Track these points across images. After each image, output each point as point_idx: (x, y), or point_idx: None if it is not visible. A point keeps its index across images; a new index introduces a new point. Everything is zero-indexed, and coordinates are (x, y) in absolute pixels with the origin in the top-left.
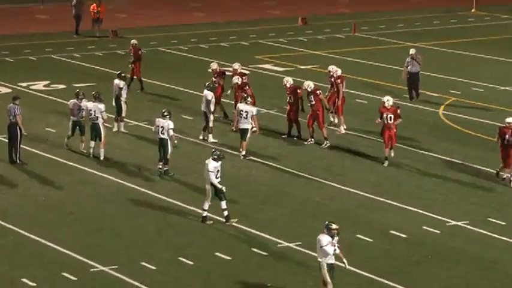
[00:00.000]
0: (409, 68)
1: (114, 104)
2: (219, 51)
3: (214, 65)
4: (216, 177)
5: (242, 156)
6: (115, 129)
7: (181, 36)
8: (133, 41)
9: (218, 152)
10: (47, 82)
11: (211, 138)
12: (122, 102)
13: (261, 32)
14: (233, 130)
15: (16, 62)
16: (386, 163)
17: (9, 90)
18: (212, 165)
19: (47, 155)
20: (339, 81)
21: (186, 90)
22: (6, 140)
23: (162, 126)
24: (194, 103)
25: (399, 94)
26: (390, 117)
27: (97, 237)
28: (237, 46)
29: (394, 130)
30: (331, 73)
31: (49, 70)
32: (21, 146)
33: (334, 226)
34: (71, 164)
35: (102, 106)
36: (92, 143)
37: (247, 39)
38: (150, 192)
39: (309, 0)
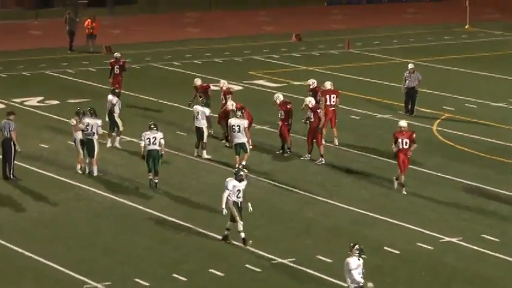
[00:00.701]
0: (407, 82)
1: (107, 119)
2: (213, 67)
3: (198, 81)
4: (238, 197)
5: (242, 166)
6: (109, 144)
7: (175, 52)
8: (116, 54)
9: (241, 173)
10: (40, 98)
11: (205, 155)
12: (116, 118)
13: (255, 48)
14: (226, 146)
15: (10, 77)
16: (404, 191)
17: (3, 106)
18: (232, 183)
19: (40, 171)
20: (320, 94)
21: (179, 106)
22: (0, 156)
23: (153, 137)
24: (187, 119)
25: (394, 110)
26: (406, 142)
27: (90, 253)
28: (231, 62)
29: (409, 155)
30: (311, 86)
31: (43, 86)
32: (15, 161)
33: (360, 246)
34: (64, 180)
35: (99, 121)
36: (87, 159)
37: (241, 55)
38: (143, 208)
39: (302, 16)
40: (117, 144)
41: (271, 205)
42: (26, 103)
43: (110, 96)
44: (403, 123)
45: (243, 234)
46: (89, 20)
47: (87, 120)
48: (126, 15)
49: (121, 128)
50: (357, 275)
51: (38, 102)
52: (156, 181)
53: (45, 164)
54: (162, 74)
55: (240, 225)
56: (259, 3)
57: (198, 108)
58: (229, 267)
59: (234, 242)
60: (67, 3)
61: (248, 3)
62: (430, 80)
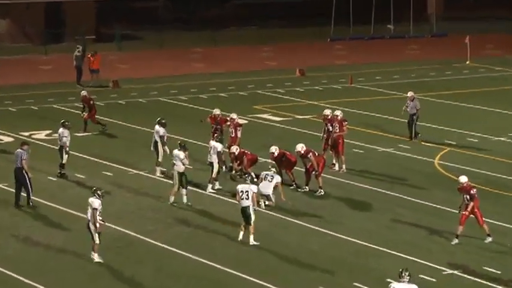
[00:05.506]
0: (408, 109)
1: (152, 149)
2: (218, 101)
3: (217, 111)
4: None
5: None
6: (158, 173)
7: (181, 87)
8: (83, 92)
9: None
10: (48, 131)
11: (209, 188)
12: (159, 148)
13: (259, 82)
14: (232, 179)
15: (19, 111)
16: (455, 241)
17: (12, 139)
18: None
19: (48, 203)
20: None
21: (187, 139)
22: (7, 188)
23: (64, 136)
24: (194, 151)
25: (396, 143)
26: (466, 197)
27: (98, 283)
28: (235, 96)
29: (476, 210)
30: (329, 117)
31: (51, 120)
32: (22, 193)
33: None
34: (72, 212)
35: (181, 154)
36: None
37: (246, 90)
38: (147, 239)
39: (306, 51)
40: (158, 173)
41: (277, 238)
42: (34, 136)
43: (157, 127)
44: (462, 178)
45: None
46: (89, 55)
47: (176, 152)
48: (133, 50)
49: (160, 159)
50: None
51: (46, 135)
52: (64, 162)
53: (53, 196)
54: (169, 108)
55: None
56: (263, 39)
57: (211, 143)
58: None
59: (237, 273)
60: (76, 38)
61: (252, 39)
62: (432, 114)
